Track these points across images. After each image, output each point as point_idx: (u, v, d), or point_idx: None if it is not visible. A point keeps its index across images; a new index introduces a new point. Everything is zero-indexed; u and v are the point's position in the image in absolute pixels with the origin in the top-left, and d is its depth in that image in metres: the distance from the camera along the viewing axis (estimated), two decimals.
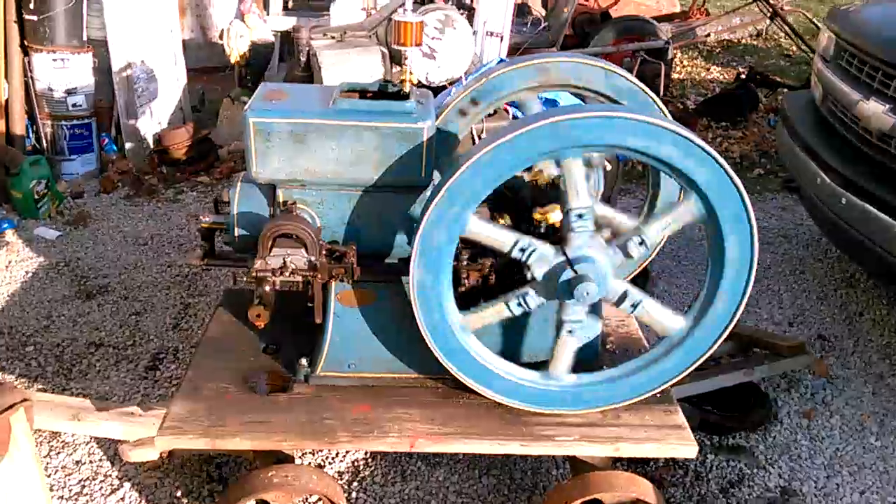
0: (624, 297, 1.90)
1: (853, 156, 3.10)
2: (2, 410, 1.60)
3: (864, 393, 2.96)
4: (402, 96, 1.97)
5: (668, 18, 7.98)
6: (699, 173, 1.74)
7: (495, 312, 1.95)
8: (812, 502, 2.43)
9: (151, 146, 4.77)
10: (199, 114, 5.58)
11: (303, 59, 3.30)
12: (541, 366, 2.05)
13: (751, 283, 1.86)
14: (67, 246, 3.83)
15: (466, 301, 2.01)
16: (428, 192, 2.00)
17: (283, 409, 2.07)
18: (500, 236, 1.83)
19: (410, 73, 1.95)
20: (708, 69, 8.00)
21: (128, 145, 4.75)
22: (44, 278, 3.53)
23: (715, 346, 1.97)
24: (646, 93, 2.20)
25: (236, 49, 4.80)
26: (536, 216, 1.89)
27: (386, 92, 2.04)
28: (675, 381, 2.04)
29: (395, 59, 3.39)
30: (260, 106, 1.90)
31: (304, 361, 2.17)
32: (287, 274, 1.86)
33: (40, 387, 2.80)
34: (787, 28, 6.23)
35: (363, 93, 2.07)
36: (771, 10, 6.57)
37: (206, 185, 4.62)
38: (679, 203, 1.83)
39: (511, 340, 2.15)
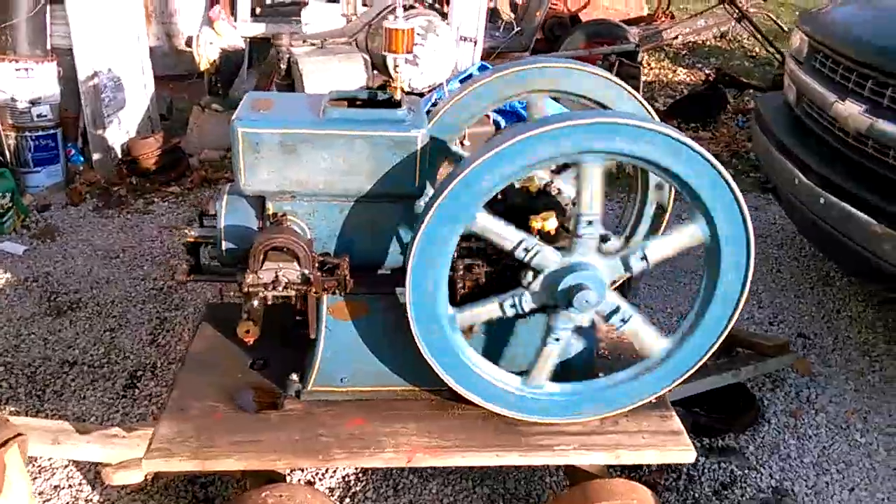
0: (615, 311, 1.89)
1: (830, 156, 3.14)
2: None
3: (846, 390, 2.99)
4: (393, 104, 1.93)
5: (635, 22, 8.08)
6: (706, 191, 1.73)
7: (487, 311, 1.91)
8: (804, 502, 2.45)
9: (120, 156, 4.65)
10: (167, 122, 5.46)
11: (283, 66, 3.24)
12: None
13: (746, 289, 1.87)
14: (35, 261, 3.71)
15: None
16: (422, 203, 1.97)
17: (275, 427, 2.01)
18: (506, 233, 1.79)
19: (401, 81, 1.91)
20: (675, 71, 8.10)
21: (95, 156, 4.62)
22: (11, 295, 3.40)
23: (709, 354, 1.98)
24: (637, 98, 2.20)
25: (206, 56, 4.71)
26: (534, 223, 1.87)
27: (376, 100, 2.00)
28: (673, 386, 2.04)
29: (377, 65, 3.35)
30: (248, 116, 1.85)
31: (294, 377, 2.12)
32: (280, 288, 1.81)
33: (13, 409, 2.69)
34: (753, 30, 6.33)
35: (352, 101, 2.03)
36: (738, 12, 6.68)
37: (177, 195, 4.52)
38: (686, 225, 1.82)
39: (511, 352, 2.12)
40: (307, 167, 1.85)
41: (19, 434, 1.58)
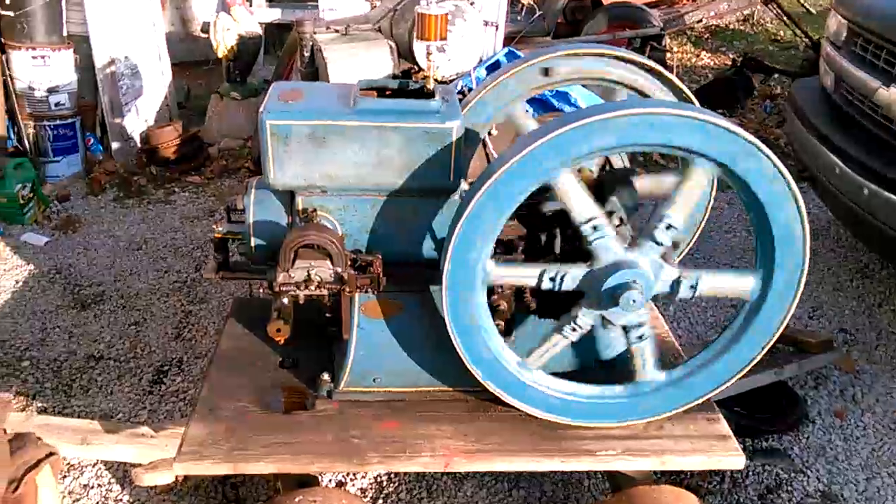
0: (678, 282, 1.76)
1: (874, 144, 3.02)
2: (27, 469, 1.44)
3: (892, 389, 2.89)
4: (426, 94, 1.84)
5: (655, 5, 7.89)
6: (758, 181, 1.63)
7: (553, 345, 1.83)
8: None
9: (139, 145, 4.60)
10: (185, 110, 5.41)
11: (307, 54, 3.15)
12: (578, 377, 1.95)
13: (803, 281, 1.77)
14: (57, 252, 3.66)
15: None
16: (457, 197, 1.88)
17: (308, 429, 1.94)
18: (523, 272, 1.71)
19: (434, 69, 1.82)
20: (698, 55, 7.93)
21: (114, 145, 4.57)
22: (35, 288, 3.36)
23: (770, 344, 1.87)
24: (678, 85, 2.10)
25: (223, 43, 4.62)
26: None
27: (407, 90, 1.91)
28: (731, 382, 1.94)
29: (403, 52, 3.25)
30: (276, 107, 1.76)
31: (326, 376, 2.05)
32: (313, 288, 1.74)
33: (40, 405, 2.65)
34: (779, 12, 6.15)
35: (382, 91, 1.94)
36: None
37: (198, 185, 4.46)
38: (685, 176, 1.68)
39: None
40: (338, 160, 1.77)
41: (51, 453, 1.51)
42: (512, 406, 1.93)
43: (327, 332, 2.19)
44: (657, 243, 1.71)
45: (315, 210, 1.83)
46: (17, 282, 3.40)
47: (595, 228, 1.67)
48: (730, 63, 7.47)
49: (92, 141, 4.54)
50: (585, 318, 1.77)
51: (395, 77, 3.12)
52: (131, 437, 2.18)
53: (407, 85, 1.91)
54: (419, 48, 3.04)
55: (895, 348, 3.12)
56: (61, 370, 2.83)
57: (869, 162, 2.95)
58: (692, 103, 2.08)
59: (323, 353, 2.21)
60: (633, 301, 1.70)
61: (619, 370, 2.00)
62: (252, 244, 1.89)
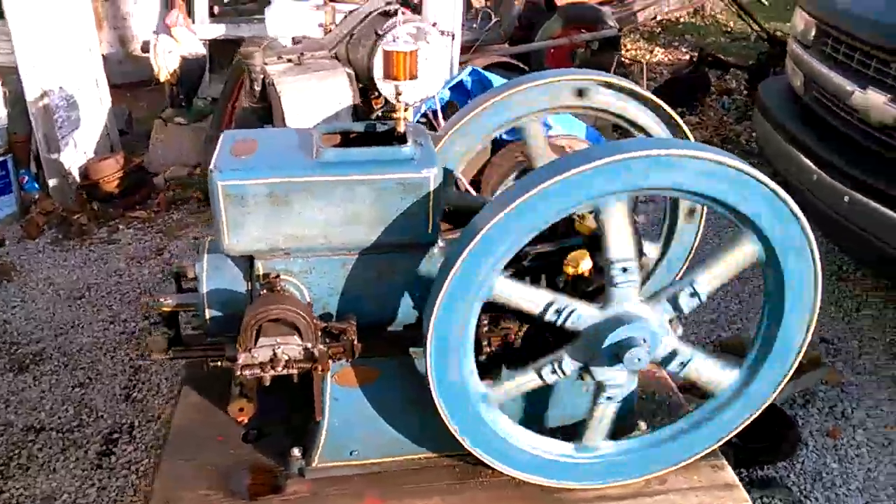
0: (673, 355, 1.65)
1: (852, 150, 2.94)
2: None
3: (881, 401, 2.81)
4: (397, 138, 1.65)
5: (607, 2, 7.82)
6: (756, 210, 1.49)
7: (524, 383, 1.67)
8: None
9: (78, 181, 4.29)
10: (127, 137, 5.11)
11: (257, 87, 2.93)
12: (570, 434, 1.79)
13: (812, 328, 1.65)
14: None
15: (485, 368, 1.73)
16: (436, 251, 1.70)
17: None
18: (532, 297, 1.54)
19: (404, 111, 1.63)
20: (652, 51, 7.89)
21: (51, 182, 4.25)
22: None
23: (773, 397, 1.76)
24: (663, 107, 1.95)
25: (165, 67, 4.36)
26: (568, 269, 1.61)
27: (375, 133, 1.72)
28: (729, 437, 1.82)
29: (362, 79, 3.05)
30: (229, 164, 1.55)
31: (296, 452, 1.84)
32: (280, 368, 1.54)
33: None
34: (737, 7, 6.11)
35: (346, 135, 1.75)
36: None
37: (144, 220, 4.19)
38: (732, 246, 1.58)
39: (535, 405, 1.87)
40: (303, 220, 1.57)
41: None
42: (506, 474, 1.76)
43: (295, 395, 2.00)
44: (675, 307, 1.58)
45: (278, 275, 1.63)
46: None
47: (625, 271, 1.52)
48: (683, 58, 7.47)
49: (26, 179, 4.23)
50: (570, 365, 1.61)
51: (355, 108, 2.91)
52: None
53: (374, 128, 1.72)
54: (386, 88, 2.85)
55: (878, 356, 3.05)
56: None
57: (849, 169, 2.86)
58: (687, 137, 1.94)
59: (290, 420, 2.01)
60: (639, 360, 1.55)
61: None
62: (207, 316, 1.68)
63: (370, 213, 1.59)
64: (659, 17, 8.05)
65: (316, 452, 1.82)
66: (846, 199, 2.84)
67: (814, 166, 3.02)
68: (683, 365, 1.66)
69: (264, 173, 1.54)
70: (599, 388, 1.67)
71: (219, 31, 5.65)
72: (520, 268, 1.72)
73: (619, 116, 1.91)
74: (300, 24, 4.22)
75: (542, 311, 1.55)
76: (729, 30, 8.68)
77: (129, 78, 6.03)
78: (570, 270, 1.61)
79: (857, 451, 2.58)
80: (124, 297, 3.43)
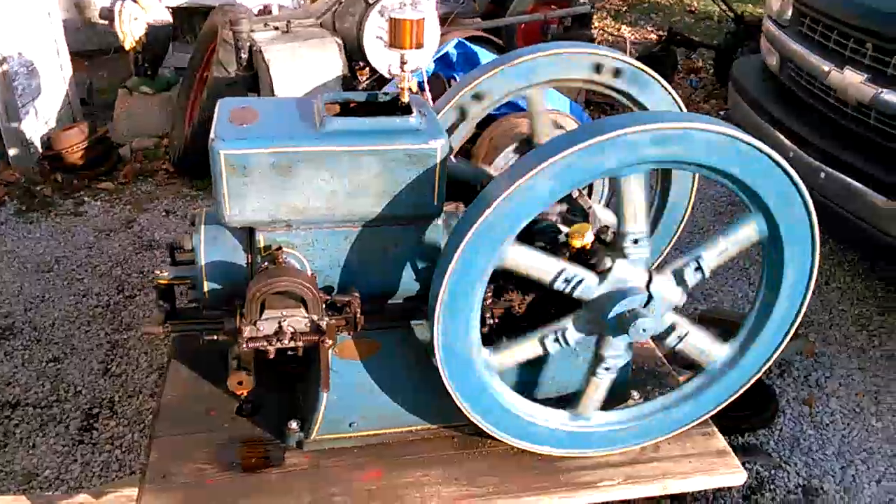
0: (671, 329, 1.68)
1: (828, 128, 3.00)
2: None
3: (851, 370, 2.91)
4: (402, 109, 1.63)
5: None
6: (766, 189, 1.52)
7: (528, 350, 1.68)
8: (836, 499, 2.34)
9: (41, 151, 4.14)
10: (88, 107, 4.94)
11: (244, 55, 2.84)
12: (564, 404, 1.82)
13: (805, 304, 1.70)
14: None
15: (487, 339, 1.73)
16: (439, 222, 1.69)
17: (280, 490, 1.73)
18: (544, 265, 1.54)
19: (409, 81, 1.61)
20: (619, 29, 7.92)
21: (12, 152, 4.09)
22: None
23: (761, 372, 1.82)
24: (660, 82, 1.98)
25: (130, 34, 4.20)
26: (574, 242, 1.62)
27: (377, 103, 1.69)
28: (719, 409, 1.87)
29: (350, 49, 2.98)
30: (230, 133, 1.51)
31: (294, 425, 1.83)
32: (286, 341, 1.51)
33: None
34: None
35: (345, 105, 1.71)
36: None
37: (111, 191, 4.06)
38: (738, 224, 1.61)
39: (530, 373, 1.89)
40: (307, 191, 1.54)
41: None
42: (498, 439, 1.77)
43: (289, 370, 1.98)
44: (679, 281, 1.60)
45: (280, 247, 1.59)
46: None
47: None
48: (649, 37, 7.51)
49: None
50: (574, 334, 1.63)
51: (345, 78, 2.85)
52: None
53: (376, 97, 1.69)
54: (376, 57, 2.80)
55: (848, 328, 3.15)
56: None
57: (825, 146, 2.92)
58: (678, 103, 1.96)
59: (285, 393, 1.99)
60: (644, 330, 1.57)
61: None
62: (205, 289, 1.64)
63: (376, 184, 1.57)
64: None
65: (315, 425, 1.81)
66: (822, 175, 2.91)
67: (789, 143, 3.08)
68: (681, 338, 1.69)
69: (268, 142, 1.50)
70: (598, 359, 1.69)
71: None
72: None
73: (620, 92, 1.92)
74: None
75: (553, 279, 1.56)
76: (692, 10, 8.75)
77: (86, 46, 5.80)
78: (576, 243, 1.62)
79: (832, 417, 2.67)
80: (95, 271, 3.33)
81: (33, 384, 2.67)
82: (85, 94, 4.92)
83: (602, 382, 1.74)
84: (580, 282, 1.56)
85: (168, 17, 4.60)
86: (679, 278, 1.61)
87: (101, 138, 4.21)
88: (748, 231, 1.59)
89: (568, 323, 1.63)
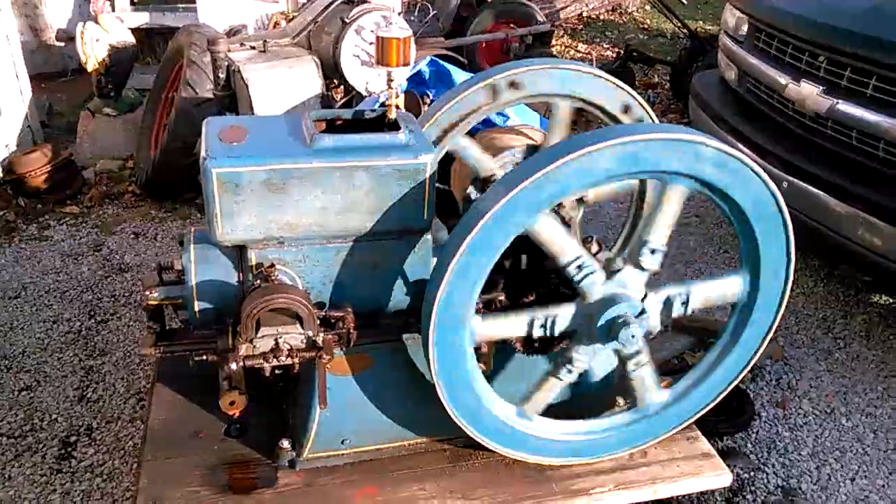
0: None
1: (789, 139, 3.11)
2: None
3: (820, 372, 3.00)
4: (389, 125, 1.65)
5: None
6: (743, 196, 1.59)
7: (512, 327, 1.68)
8: (813, 499, 2.41)
9: (2, 176, 4.04)
10: (48, 130, 4.85)
11: (222, 75, 2.83)
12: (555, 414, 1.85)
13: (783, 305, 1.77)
14: None
15: None
16: (428, 237, 1.71)
17: None
18: (567, 245, 1.57)
19: (397, 98, 1.63)
20: (575, 47, 8.08)
21: None
22: None
23: (745, 373, 1.88)
24: (637, 99, 2.04)
25: (93, 55, 4.15)
26: (591, 245, 1.67)
27: (364, 120, 1.71)
28: (705, 410, 1.92)
29: (327, 68, 2.99)
30: (222, 151, 1.52)
31: (285, 444, 1.83)
32: (283, 358, 1.51)
33: None
34: (660, 5, 6.33)
35: (331, 122, 1.73)
36: None
37: (76, 215, 3.98)
38: (728, 275, 1.69)
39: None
40: (299, 208, 1.55)
41: None
42: (488, 449, 1.79)
43: (276, 388, 1.97)
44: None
45: (272, 265, 1.60)
46: None
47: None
48: (605, 54, 7.69)
49: None
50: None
51: (323, 97, 2.87)
52: None
53: (363, 114, 1.71)
54: (369, 74, 2.82)
55: (814, 331, 3.25)
56: None
57: (786, 156, 3.03)
58: (653, 120, 2.03)
59: (273, 413, 1.99)
60: (632, 336, 1.61)
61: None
62: (196, 309, 1.63)
63: (367, 200, 1.59)
64: (583, 13, 8.26)
65: (307, 443, 1.81)
66: (784, 184, 3.01)
67: (752, 153, 3.18)
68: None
69: (260, 160, 1.51)
70: (565, 360, 1.70)
71: (142, 19, 5.43)
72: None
73: (597, 107, 1.98)
74: (233, 13, 4.12)
75: (567, 262, 1.58)
76: (646, 27, 8.99)
77: (43, 68, 5.73)
78: (593, 247, 1.67)
79: (805, 419, 2.75)
80: (65, 296, 3.26)
81: (5, 414, 2.59)
82: (45, 116, 4.82)
83: (556, 385, 1.74)
84: (590, 273, 1.59)
85: (131, 39, 4.56)
86: (667, 306, 1.66)
87: (65, 161, 4.12)
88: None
89: (560, 311, 1.65)
